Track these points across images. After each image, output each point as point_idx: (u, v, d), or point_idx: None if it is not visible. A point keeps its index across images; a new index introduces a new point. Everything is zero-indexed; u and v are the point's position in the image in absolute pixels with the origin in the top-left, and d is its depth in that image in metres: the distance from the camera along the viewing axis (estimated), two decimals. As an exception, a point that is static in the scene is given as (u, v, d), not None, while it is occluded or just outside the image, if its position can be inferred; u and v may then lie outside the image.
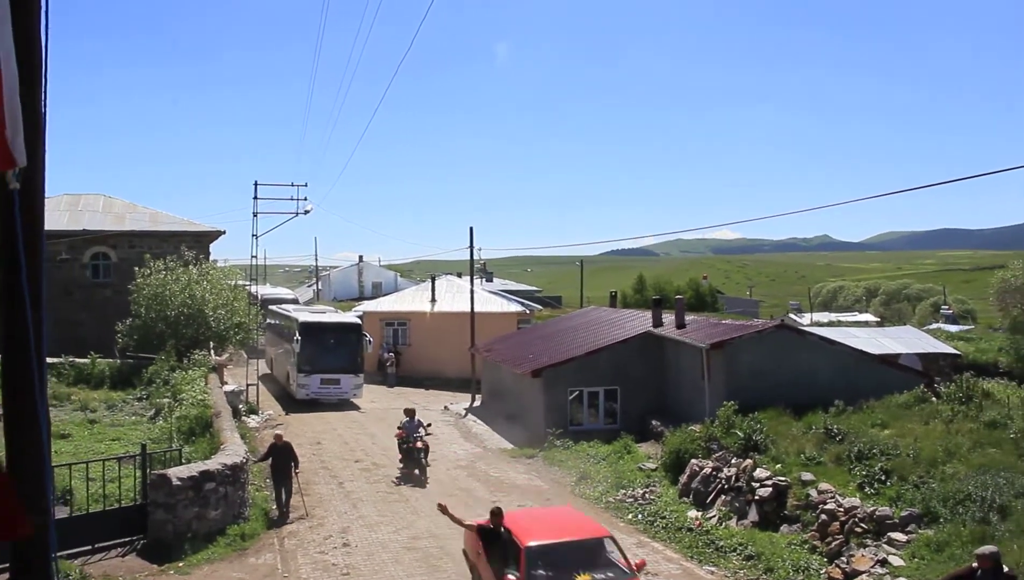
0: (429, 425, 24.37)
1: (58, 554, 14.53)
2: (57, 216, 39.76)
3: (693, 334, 27.31)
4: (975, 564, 10.66)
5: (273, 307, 44.36)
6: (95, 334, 35.50)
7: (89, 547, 15.45)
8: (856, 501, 16.11)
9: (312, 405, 33.96)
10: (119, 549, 15.87)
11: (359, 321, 37.79)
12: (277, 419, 31.50)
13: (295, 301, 54.76)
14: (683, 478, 21.13)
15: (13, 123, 4.44)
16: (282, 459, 19.30)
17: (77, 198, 43.84)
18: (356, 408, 34.73)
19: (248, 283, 41.31)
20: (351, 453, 26.07)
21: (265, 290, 57.29)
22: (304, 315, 37.09)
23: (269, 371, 42.09)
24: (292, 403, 34.55)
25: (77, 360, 31.95)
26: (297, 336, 34.12)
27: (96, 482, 16.95)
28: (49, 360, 30.62)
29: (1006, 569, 10.72)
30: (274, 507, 19.22)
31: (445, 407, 35.78)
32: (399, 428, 23.20)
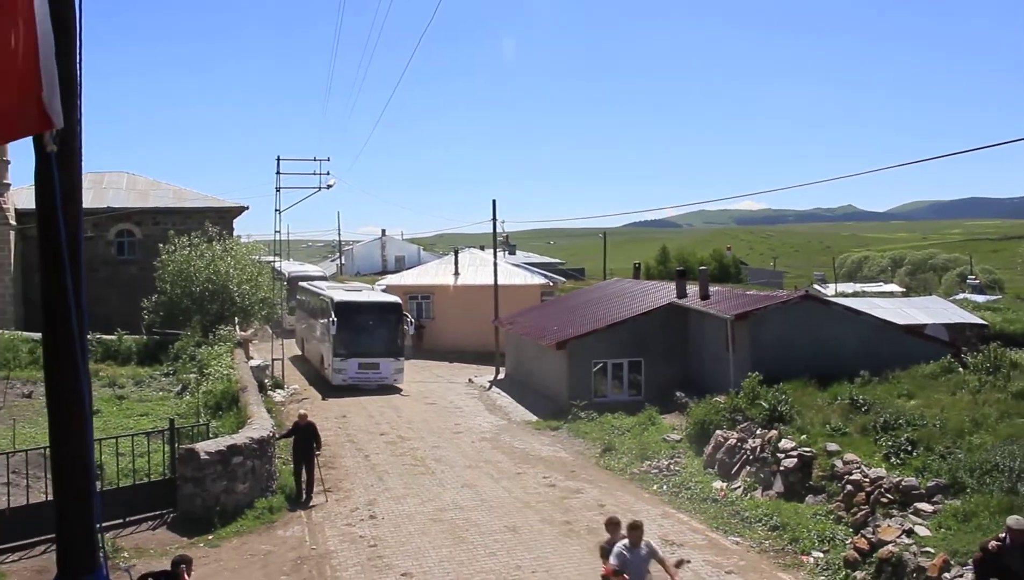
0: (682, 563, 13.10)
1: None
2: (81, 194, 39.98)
3: (717, 305, 27.21)
4: (1003, 535, 10.58)
5: (304, 285, 42.72)
6: (121, 311, 35.85)
7: (120, 520, 15.68)
8: (882, 471, 16.05)
9: (350, 390, 32.18)
10: (150, 523, 16.09)
11: (398, 300, 35.43)
12: (303, 394, 31.69)
13: (323, 278, 52.90)
14: (708, 449, 21.12)
15: (50, 85, 4.46)
16: (304, 439, 18.75)
17: (101, 176, 44.10)
18: (397, 391, 33.08)
19: (273, 259, 41.45)
20: (376, 426, 26.23)
21: (292, 267, 56.77)
22: (339, 294, 35.22)
23: (300, 352, 40.76)
24: (328, 388, 32.84)
25: (104, 337, 32.26)
26: (332, 317, 32.22)
27: (126, 457, 17.17)
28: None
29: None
30: (296, 488, 18.67)
31: (469, 380, 35.89)
32: (605, 559, 10.80)
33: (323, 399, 30.85)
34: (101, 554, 5.43)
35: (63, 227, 4.90)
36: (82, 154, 5.33)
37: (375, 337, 33.27)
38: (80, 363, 5.17)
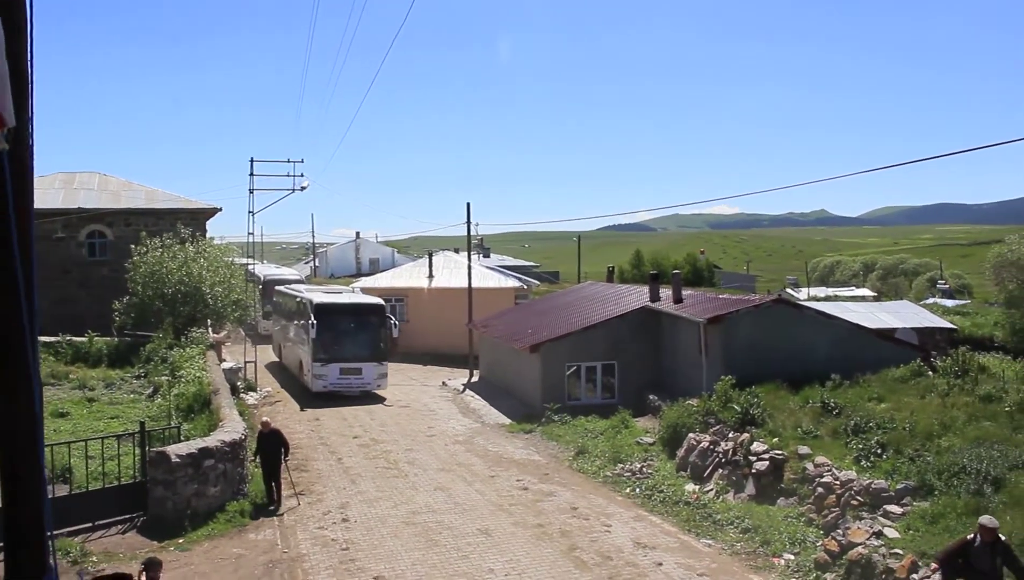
0: None
1: (59, 531, 14.57)
2: (52, 194, 39.62)
3: (690, 309, 27.34)
4: (972, 535, 10.76)
5: (281, 288, 41.14)
6: (92, 312, 35.49)
7: (89, 524, 15.54)
8: (852, 474, 16.19)
9: (330, 399, 30.82)
10: (119, 526, 15.96)
11: (382, 302, 33.75)
12: (276, 396, 31.55)
13: (300, 282, 50.51)
14: (680, 452, 21.21)
15: (0, 83, 4.42)
16: (270, 447, 18.19)
17: (72, 176, 43.65)
18: (380, 400, 31.48)
19: (248, 261, 41.16)
20: (349, 429, 26.16)
21: (268, 270, 55.57)
22: (318, 296, 33.61)
23: (277, 359, 39.68)
24: (307, 396, 31.37)
25: (75, 338, 31.96)
26: (311, 320, 30.65)
27: (95, 460, 17.00)
28: (46, 339, 30.80)
29: (1003, 538, 10.84)
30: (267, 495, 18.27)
31: (443, 383, 35.84)
32: None
33: (301, 410, 29.29)
34: (52, 561, 5.36)
35: (14, 228, 4.85)
36: (34, 153, 5.28)
37: (357, 340, 31.92)
38: (31, 363, 5.11)
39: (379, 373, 31.99)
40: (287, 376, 35.69)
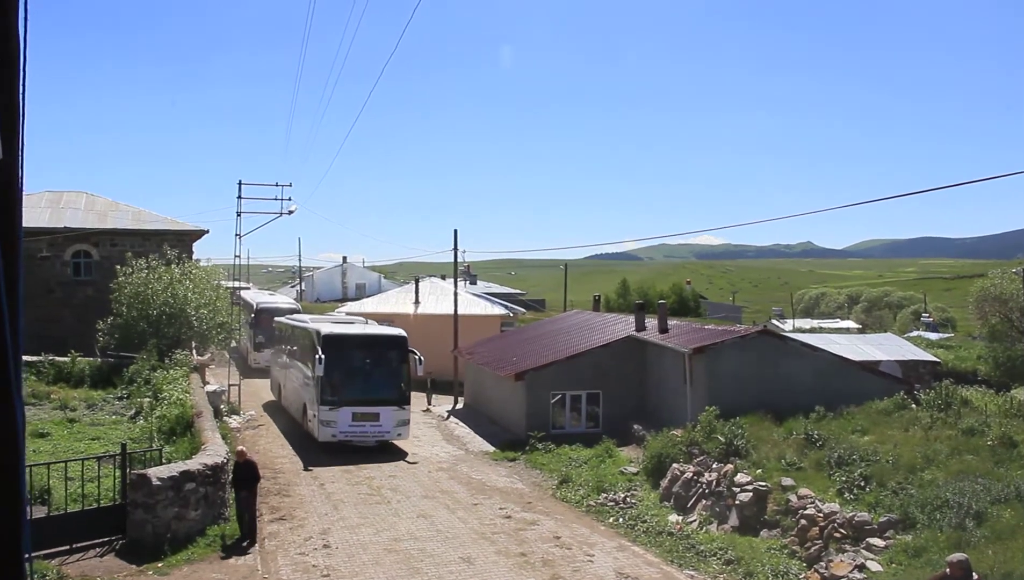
0: None
1: (36, 554, 14.43)
2: (38, 213, 39.51)
3: (675, 338, 27.40)
4: (947, 571, 10.81)
5: (282, 319, 36.38)
6: (76, 332, 35.29)
7: (67, 547, 15.35)
8: (835, 506, 16.21)
9: (339, 451, 25.77)
10: (98, 549, 15.76)
11: (403, 333, 28.31)
12: (259, 420, 31.31)
13: (297, 311, 43.56)
14: (664, 482, 21.18)
15: None
16: (244, 478, 17.40)
17: (59, 195, 43.54)
18: (403, 456, 26.28)
19: (236, 285, 40.88)
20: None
21: (262, 298, 50.90)
22: (326, 326, 28.61)
23: (276, 399, 34.91)
24: (311, 449, 26.17)
25: (57, 358, 31.73)
26: (318, 354, 25.62)
27: (75, 482, 16.83)
28: (28, 358, 30.55)
29: (975, 576, 10.87)
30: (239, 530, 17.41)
31: (427, 409, 35.71)
32: None
33: (305, 469, 23.90)
34: None
35: (1, 259, 4.82)
36: (22, 186, 5.25)
37: (373, 379, 27.07)
38: (13, 380, 5.06)
39: (399, 419, 26.65)
40: (288, 421, 30.80)
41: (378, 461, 25.01)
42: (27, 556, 5.26)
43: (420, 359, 27.77)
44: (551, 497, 21.81)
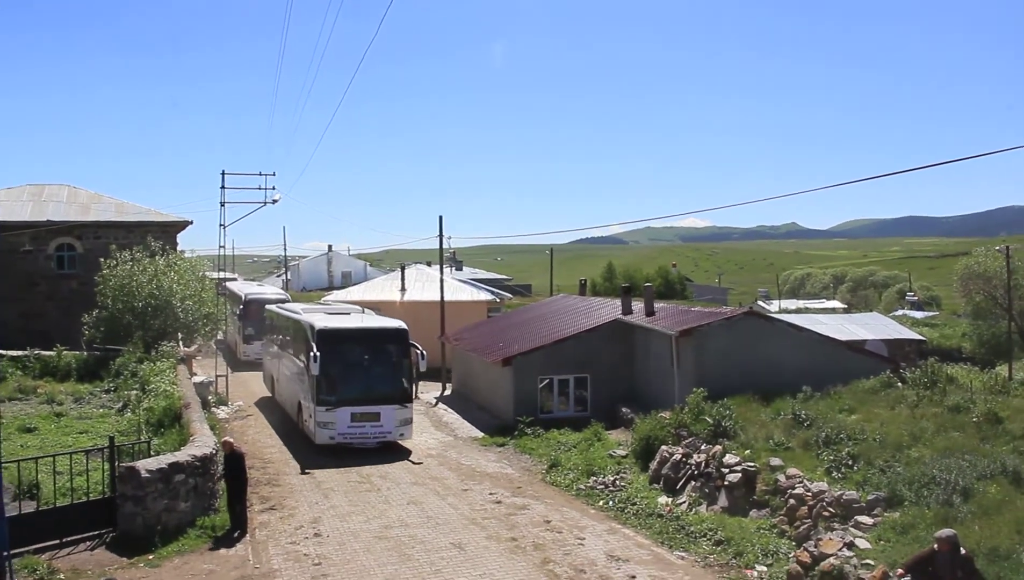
0: None
1: (25, 548, 14.38)
2: (20, 206, 39.22)
3: (662, 321, 27.46)
4: (935, 546, 10.93)
5: (274, 308, 34.78)
6: (61, 326, 35.10)
7: (57, 541, 15.30)
8: (824, 486, 16.31)
9: (337, 452, 24.33)
10: (88, 543, 15.72)
11: (404, 326, 26.59)
12: (247, 411, 31.24)
13: (285, 301, 41.29)
14: (653, 465, 21.26)
15: None
16: (233, 469, 17.30)
17: (40, 188, 43.18)
18: (406, 455, 24.88)
19: (218, 274, 40.73)
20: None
21: (250, 289, 50.35)
22: (321, 319, 26.65)
23: (270, 394, 33.57)
24: (308, 450, 24.72)
25: (43, 353, 31.56)
26: (314, 350, 24.19)
27: (64, 475, 16.76)
28: (14, 353, 30.42)
29: (963, 551, 10.99)
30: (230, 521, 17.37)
31: (415, 396, 35.62)
32: None
33: (301, 473, 22.41)
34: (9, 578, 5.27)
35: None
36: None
37: (374, 376, 25.46)
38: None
39: (402, 418, 25.18)
40: (283, 417, 29.45)
41: (378, 462, 23.66)
42: (5, 554, 5.23)
43: (422, 354, 26.37)
44: (541, 481, 21.86)
